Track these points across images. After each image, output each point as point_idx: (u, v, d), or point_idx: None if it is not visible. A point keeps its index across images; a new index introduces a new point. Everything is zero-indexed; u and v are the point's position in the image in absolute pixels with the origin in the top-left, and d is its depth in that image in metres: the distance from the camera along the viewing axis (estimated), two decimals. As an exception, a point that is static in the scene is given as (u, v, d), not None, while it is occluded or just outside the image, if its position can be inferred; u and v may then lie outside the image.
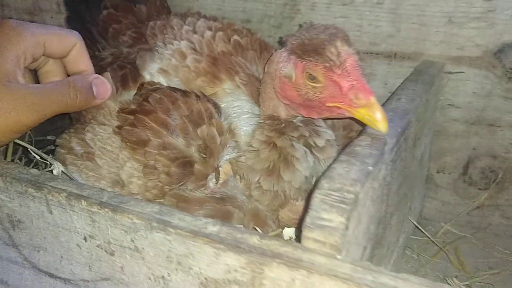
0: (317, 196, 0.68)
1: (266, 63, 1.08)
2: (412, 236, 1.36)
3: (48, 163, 1.03)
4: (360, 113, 0.88)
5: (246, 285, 0.67)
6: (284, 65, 0.97)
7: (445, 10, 1.33)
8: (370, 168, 0.75)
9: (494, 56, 1.32)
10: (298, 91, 0.95)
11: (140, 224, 0.72)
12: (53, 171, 0.98)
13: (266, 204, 1.01)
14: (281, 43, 1.01)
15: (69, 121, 1.35)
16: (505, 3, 1.26)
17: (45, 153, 1.08)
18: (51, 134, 1.39)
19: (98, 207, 0.75)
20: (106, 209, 0.74)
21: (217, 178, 1.02)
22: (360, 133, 0.91)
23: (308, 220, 0.66)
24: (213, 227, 0.70)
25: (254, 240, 0.67)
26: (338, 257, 0.64)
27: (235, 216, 0.98)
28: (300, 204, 1.03)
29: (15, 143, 1.10)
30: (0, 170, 0.84)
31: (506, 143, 1.36)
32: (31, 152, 1.03)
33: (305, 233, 0.66)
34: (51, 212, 0.80)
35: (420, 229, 1.31)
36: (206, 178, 1.01)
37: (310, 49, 0.91)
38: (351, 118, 0.92)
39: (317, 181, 0.72)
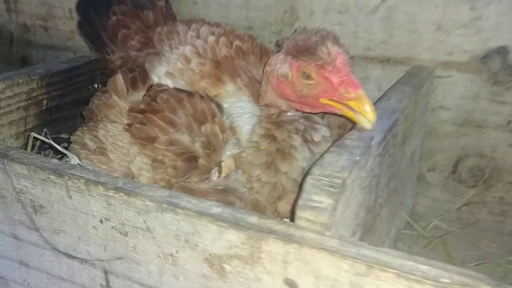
0: (308, 181, 0.76)
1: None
2: (403, 231, 1.44)
3: (65, 156, 1.12)
4: (349, 109, 0.96)
5: (246, 259, 0.76)
6: (281, 65, 1.06)
7: (434, 18, 1.42)
8: (357, 158, 0.83)
9: (480, 61, 1.40)
10: (294, 89, 1.04)
11: (152, 206, 0.81)
12: (70, 162, 1.07)
13: (265, 196, 1.10)
14: (278, 45, 1.10)
15: (81, 120, 1.44)
16: (490, 12, 1.35)
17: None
18: (64, 132, 1.48)
19: (114, 191, 0.83)
20: (121, 193, 0.83)
21: (220, 172, 1.10)
22: (350, 129, 1.00)
23: (300, 202, 0.75)
24: (216, 208, 0.79)
25: (253, 219, 0.76)
26: (327, 233, 0.73)
27: (236, 206, 1.06)
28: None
29: (34, 138, 1.19)
30: (25, 160, 0.93)
31: (493, 143, 1.45)
32: (51, 145, 1.12)
33: (298, 213, 0.75)
34: (70, 197, 0.89)
35: (410, 223, 1.39)
36: (210, 171, 1.09)
37: (303, 49, 1.01)
38: (343, 115, 1.01)
39: (309, 169, 0.81)
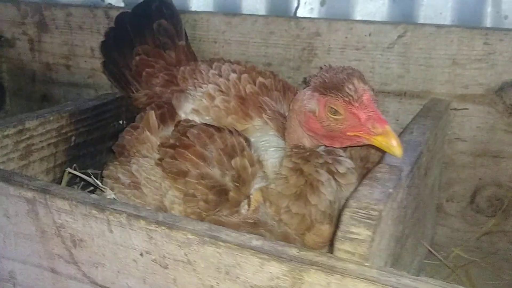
0: (346, 214, 0.80)
1: (290, 102, 1.22)
2: (425, 260, 1.46)
3: (97, 190, 1.16)
4: (377, 141, 1.00)
5: (287, 290, 0.79)
6: (308, 101, 1.11)
7: (449, 53, 1.47)
8: (390, 190, 0.87)
9: (495, 94, 1.45)
10: (322, 123, 1.08)
11: (194, 239, 0.84)
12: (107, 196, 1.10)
13: (294, 228, 1.12)
14: (305, 82, 1.14)
15: (107, 155, 1.49)
16: (503, 47, 1.41)
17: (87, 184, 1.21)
18: (91, 168, 1.52)
19: (156, 225, 0.87)
20: (163, 227, 0.86)
21: (249, 205, 1.14)
22: (378, 163, 1.04)
23: (339, 234, 0.78)
24: (256, 241, 0.82)
25: (294, 251, 0.79)
26: (366, 264, 0.76)
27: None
28: (325, 228, 1.14)
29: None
30: (66, 195, 0.97)
31: (510, 173, 1.48)
32: (83, 179, 1.16)
33: (337, 245, 0.78)
34: (111, 231, 0.92)
35: (433, 253, 1.41)
36: (239, 204, 1.13)
37: (331, 86, 1.05)
38: (370, 145, 1.05)
39: (345, 203, 0.84)
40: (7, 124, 1.31)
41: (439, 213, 1.59)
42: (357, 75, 1.06)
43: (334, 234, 1.13)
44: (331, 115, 1.06)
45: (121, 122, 1.63)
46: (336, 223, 1.12)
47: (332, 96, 1.04)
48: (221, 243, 0.82)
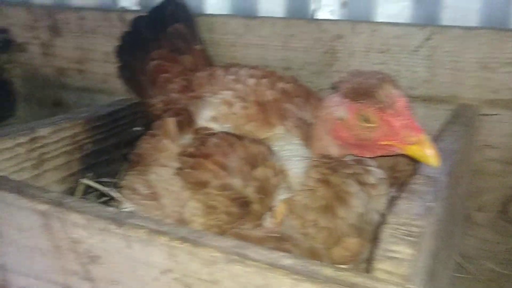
0: (386, 231, 0.73)
1: (314, 108, 1.17)
2: (454, 274, 1.39)
3: (112, 200, 1.10)
4: (412, 150, 0.94)
5: (322, 313, 0.72)
6: (337, 108, 1.05)
7: (478, 56, 1.41)
8: (430, 203, 0.80)
9: (527, 99, 1.38)
10: (352, 132, 1.02)
11: (220, 257, 0.78)
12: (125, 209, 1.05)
13: (321, 242, 1.06)
14: (332, 88, 1.09)
15: (121, 163, 1.44)
16: (536, 49, 1.34)
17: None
18: (106, 176, 1.47)
19: (178, 241, 0.81)
20: (187, 243, 0.80)
21: (273, 217, 1.08)
22: (409, 172, 0.98)
23: (378, 252, 0.72)
24: (287, 260, 0.76)
25: (329, 271, 0.73)
26: (409, 286, 0.69)
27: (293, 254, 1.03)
28: (354, 241, 1.08)
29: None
30: (82, 209, 0.91)
31: (542, 181, 1.41)
32: (98, 190, 1.11)
33: (376, 264, 0.72)
34: (130, 247, 0.87)
35: (464, 267, 1.35)
36: (262, 217, 1.07)
37: (362, 92, 1.00)
38: (402, 154, 0.99)
39: (383, 218, 0.78)
40: (20, 131, 1.26)
41: (467, 223, 1.52)
42: (390, 80, 1.00)
43: (363, 248, 1.09)
44: (362, 123, 1.00)
45: (136, 128, 1.57)
46: (366, 236, 1.07)
47: (363, 103, 0.98)
48: (250, 262, 0.76)
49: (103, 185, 1.32)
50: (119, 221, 0.87)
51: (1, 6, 2.18)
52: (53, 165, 1.33)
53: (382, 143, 0.99)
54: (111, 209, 0.93)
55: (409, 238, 0.72)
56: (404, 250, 0.71)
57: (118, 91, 1.89)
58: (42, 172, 1.31)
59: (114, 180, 1.44)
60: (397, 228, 0.74)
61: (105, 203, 1.35)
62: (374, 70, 1.06)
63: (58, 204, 0.94)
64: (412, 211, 0.77)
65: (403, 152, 0.98)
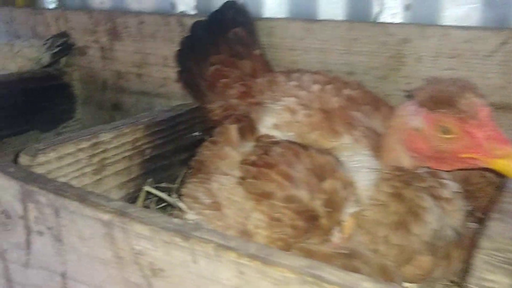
0: (480, 257, 0.67)
1: (384, 117, 1.10)
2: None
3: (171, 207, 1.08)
4: (499, 164, 0.87)
5: None
6: (413, 117, 0.98)
7: (560, 61, 1.30)
8: (525, 226, 0.73)
9: None
10: (429, 143, 0.95)
11: (293, 278, 0.73)
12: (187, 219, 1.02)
13: (392, 259, 1.00)
14: (408, 96, 1.02)
15: (180, 169, 1.41)
16: None
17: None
18: (165, 181, 1.45)
19: (248, 259, 0.76)
20: (257, 261, 0.76)
21: (341, 233, 1.02)
22: (486, 187, 0.91)
23: (472, 281, 0.65)
24: (366, 283, 0.70)
25: (414, 299, 0.67)
26: (507, 320, 0.63)
27: (363, 272, 0.97)
28: (427, 259, 1.01)
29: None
30: (146, 219, 0.88)
31: None
32: (167, 200, 1.08)
33: (468, 293, 0.65)
34: (195, 262, 0.83)
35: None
36: (330, 232, 1.01)
37: (441, 101, 0.93)
38: (486, 168, 0.92)
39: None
40: (81, 136, 1.26)
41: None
42: (471, 88, 0.93)
43: (436, 266, 1.01)
44: (442, 134, 0.93)
45: (195, 134, 1.55)
46: (440, 254, 1.00)
47: (443, 113, 0.92)
48: (325, 285, 0.70)
49: (161, 190, 1.29)
50: (185, 233, 0.84)
51: (63, 10, 2.22)
52: (113, 171, 1.32)
53: (463, 155, 0.92)
54: (176, 220, 0.89)
55: (506, 266, 0.65)
56: (501, 280, 0.65)
57: (175, 95, 1.88)
58: (103, 177, 1.30)
59: (173, 186, 1.42)
60: (493, 255, 0.67)
61: (164, 208, 1.33)
62: (458, 77, 0.98)
63: (122, 213, 0.91)
64: (508, 235, 0.70)
65: (487, 166, 0.90)
